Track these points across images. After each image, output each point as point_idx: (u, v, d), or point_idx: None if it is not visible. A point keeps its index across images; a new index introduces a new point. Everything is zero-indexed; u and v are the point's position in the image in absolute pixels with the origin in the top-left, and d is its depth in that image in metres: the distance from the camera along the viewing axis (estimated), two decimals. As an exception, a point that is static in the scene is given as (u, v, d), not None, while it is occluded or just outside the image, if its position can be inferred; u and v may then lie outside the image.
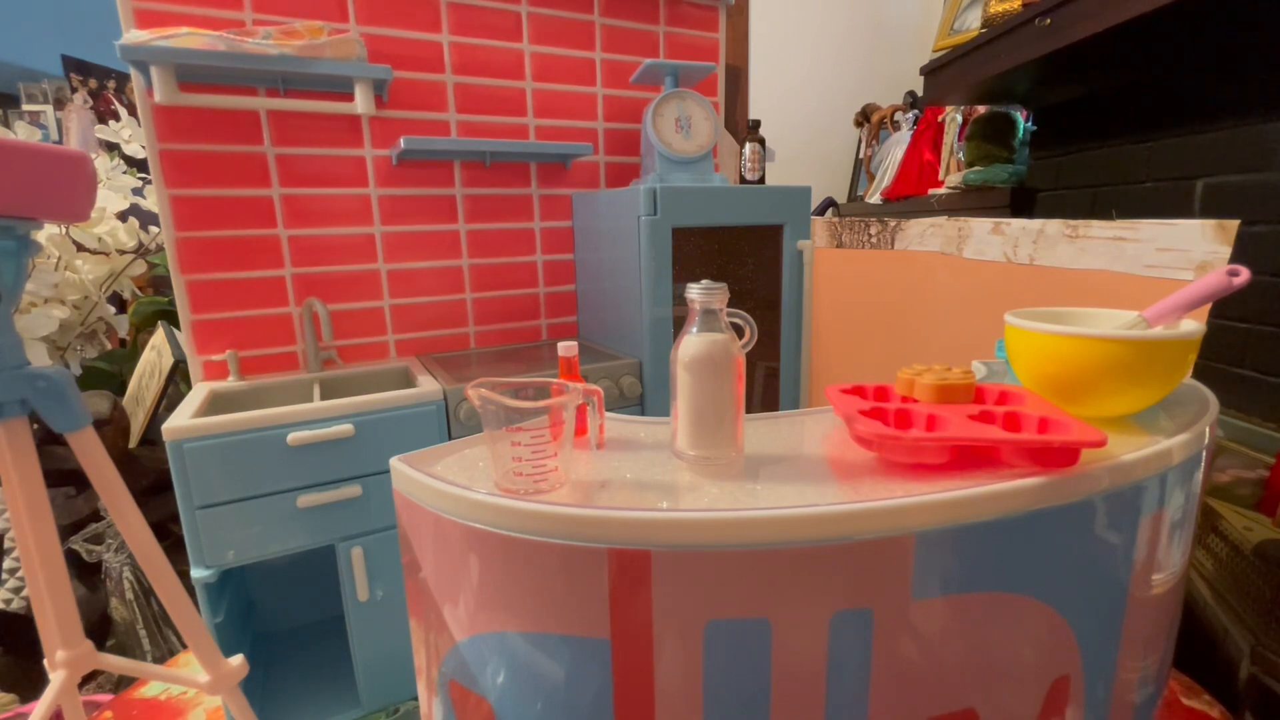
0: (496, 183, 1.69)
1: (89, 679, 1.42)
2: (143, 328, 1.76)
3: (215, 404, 1.34)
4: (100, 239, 1.63)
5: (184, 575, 0.91)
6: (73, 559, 1.44)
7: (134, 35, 1.22)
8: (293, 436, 1.18)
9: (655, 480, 0.49)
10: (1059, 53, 1.20)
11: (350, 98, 1.43)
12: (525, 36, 1.65)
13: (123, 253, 1.70)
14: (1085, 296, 1.05)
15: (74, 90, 2.54)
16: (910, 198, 2.19)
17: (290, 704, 1.36)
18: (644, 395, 1.55)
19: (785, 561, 0.41)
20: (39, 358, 1.49)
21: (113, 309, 1.71)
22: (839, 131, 2.74)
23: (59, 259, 1.58)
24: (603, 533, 0.42)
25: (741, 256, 1.91)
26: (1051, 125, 1.65)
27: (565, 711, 0.45)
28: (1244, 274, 0.53)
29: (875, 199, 2.38)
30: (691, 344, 0.50)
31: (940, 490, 0.42)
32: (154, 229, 1.72)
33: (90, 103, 2.55)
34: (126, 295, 1.76)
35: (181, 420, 1.13)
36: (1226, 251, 0.86)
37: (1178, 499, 0.52)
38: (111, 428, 1.49)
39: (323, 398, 1.36)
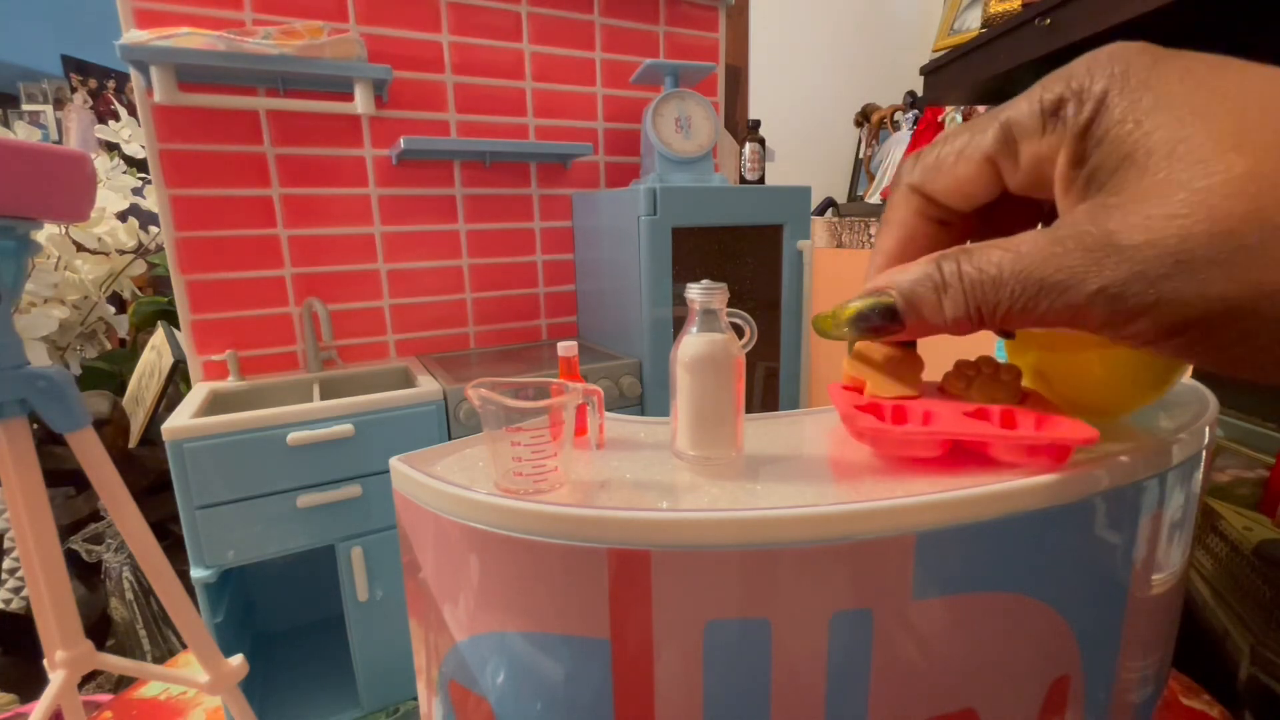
0: (496, 183, 1.69)
1: (89, 679, 1.42)
2: (143, 328, 1.76)
3: (215, 404, 1.34)
4: (100, 239, 1.63)
5: (184, 575, 0.91)
6: (73, 559, 1.44)
7: (134, 35, 1.22)
8: (293, 436, 1.18)
9: (655, 480, 0.49)
10: (1059, 53, 1.20)
11: (350, 98, 1.43)
12: (525, 36, 1.65)
13: (123, 253, 1.70)
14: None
15: (74, 90, 2.54)
16: (910, 198, 2.18)
17: (290, 704, 1.36)
18: (644, 395, 1.55)
19: (785, 561, 0.41)
20: (39, 358, 1.48)
21: (113, 309, 1.71)
22: (839, 131, 2.74)
23: (59, 259, 1.58)
24: (603, 533, 0.42)
25: (741, 256, 1.92)
26: (1051, 125, 1.64)
27: (565, 711, 0.45)
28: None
29: (875, 199, 2.38)
30: (691, 344, 0.50)
31: (941, 490, 0.42)
32: (154, 229, 1.72)
33: (90, 103, 2.55)
34: (126, 295, 1.76)
35: (181, 420, 1.13)
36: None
37: (1177, 499, 0.52)
38: (111, 428, 1.49)
39: (323, 398, 1.36)
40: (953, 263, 0.30)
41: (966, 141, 0.31)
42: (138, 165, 1.84)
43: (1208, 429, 0.54)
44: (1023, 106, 0.28)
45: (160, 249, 1.73)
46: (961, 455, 0.49)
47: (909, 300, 0.32)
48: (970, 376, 0.54)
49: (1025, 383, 0.59)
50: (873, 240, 1.66)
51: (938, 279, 0.30)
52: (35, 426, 0.72)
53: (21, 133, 1.92)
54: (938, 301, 0.31)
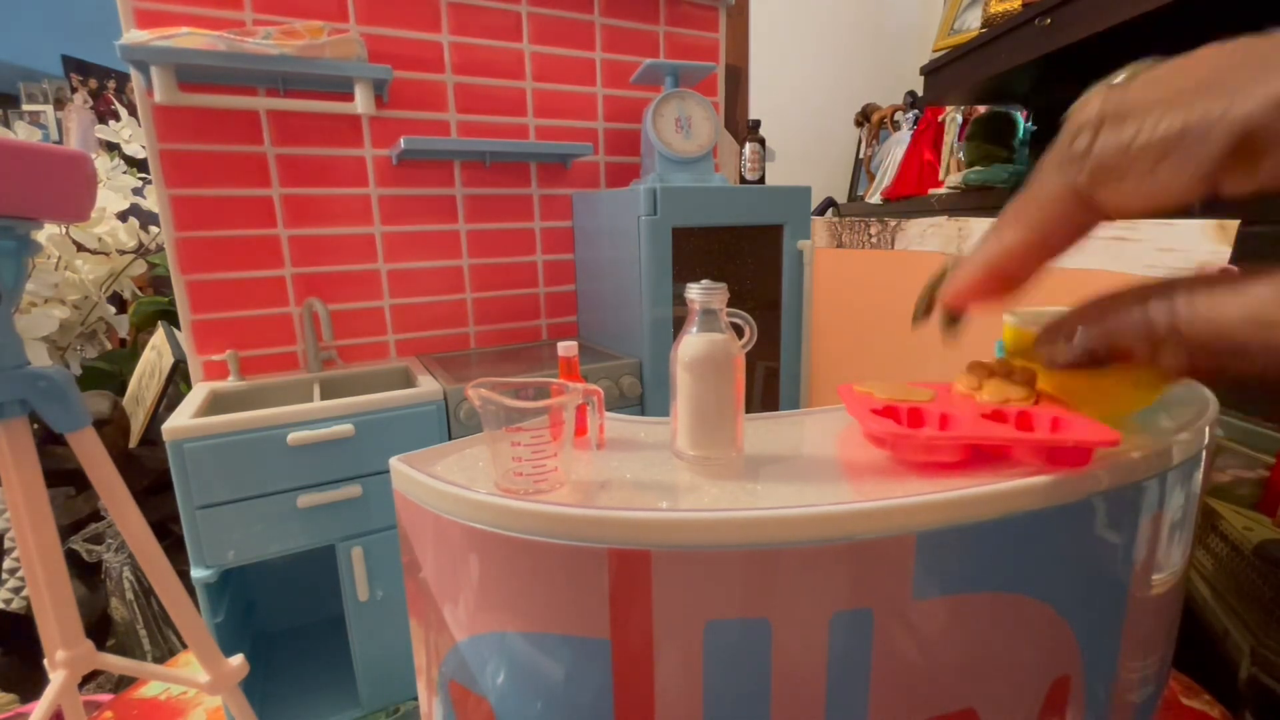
0: (496, 183, 1.69)
1: (89, 679, 1.42)
2: (143, 328, 1.76)
3: (215, 404, 1.34)
4: (100, 239, 1.63)
5: (184, 575, 0.91)
6: (73, 559, 1.44)
7: (134, 35, 1.22)
8: (293, 436, 1.18)
9: (655, 480, 0.49)
10: (1059, 53, 1.20)
11: (350, 98, 1.43)
12: (525, 36, 1.65)
13: (123, 253, 1.70)
14: (1085, 296, 1.05)
15: (74, 90, 2.54)
16: (910, 198, 2.18)
17: (290, 704, 1.36)
18: (644, 395, 1.55)
19: (785, 561, 0.41)
20: (39, 358, 1.48)
21: (113, 309, 1.71)
22: (839, 131, 2.74)
23: (59, 259, 1.58)
24: (603, 533, 0.42)
25: (741, 256, 1.91)
26: (1051, 125, 1.64)
27: (565, 711, 0.45)
28: (1235, 273, 0.53)
29: (875, 199, 2.38)
30: (691, 344, 0.50)
31: (941, 490, 0.42)
32: (154, 229, 1.72)
33: (90, 103, 2.55)
34: (126, 295, 1.76)
35: (181, 420, 1.13)
36: (1227, 251, 0.86)
37: (1178, 499, 0.52)
38: (111, 428, 1.49)
39: (323, 398, 1.36)
40: (1165, 309, 0.24)
41: (1170, 142, 0.22)
42: (138, 165, 1.84)
43: (1208, 429, 0.54)
44: (1260, 101, 0.21)
45: (160, 249, 1.73)
46: (976, 456, 0.49)
47: (1111, 349, 0.27)
48: (983, 376, 0.53)
49: (1025, 383, 0.59)
50: (874, 240, 1.66)
51: (1148, 330, 0.25)
52: (35, 426, 0.72)
53: (21, 133, 1.92)
54: (1150, 354, 0.25)
